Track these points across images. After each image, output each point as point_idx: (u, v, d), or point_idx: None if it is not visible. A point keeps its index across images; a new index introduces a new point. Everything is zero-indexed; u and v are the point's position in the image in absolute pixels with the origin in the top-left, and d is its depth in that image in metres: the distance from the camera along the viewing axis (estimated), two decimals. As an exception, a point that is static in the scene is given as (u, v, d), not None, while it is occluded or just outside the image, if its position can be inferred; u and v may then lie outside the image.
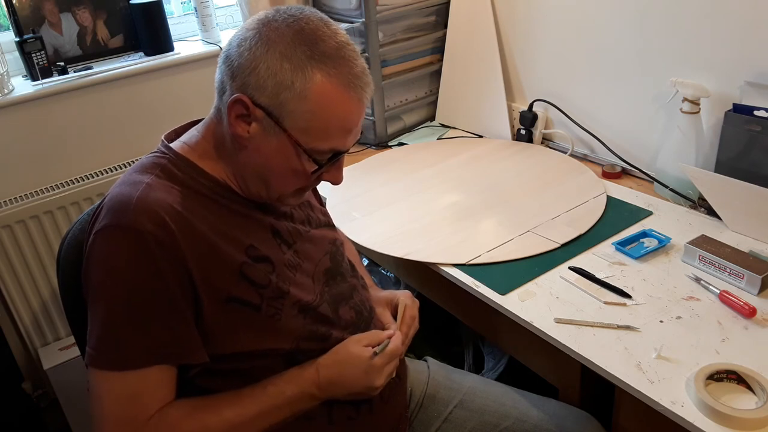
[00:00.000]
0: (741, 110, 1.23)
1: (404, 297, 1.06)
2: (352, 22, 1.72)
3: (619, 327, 0.99)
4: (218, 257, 0.81)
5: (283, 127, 0.80)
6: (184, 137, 0.90)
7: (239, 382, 0.84)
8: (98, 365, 0.77)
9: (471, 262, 1.19)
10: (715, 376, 0.87)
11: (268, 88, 0.78)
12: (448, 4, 1.83)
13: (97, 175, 1.73)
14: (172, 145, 0.88)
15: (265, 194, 0.87)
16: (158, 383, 0.79)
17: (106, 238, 0.77)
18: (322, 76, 0.78)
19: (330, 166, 0.86)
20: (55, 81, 1.64)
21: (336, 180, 0.89)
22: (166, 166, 0.85)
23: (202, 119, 0.92)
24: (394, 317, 1.04)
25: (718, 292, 1.03)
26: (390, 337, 0.93)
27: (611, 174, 1.49)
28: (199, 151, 0.87)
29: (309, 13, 0.82)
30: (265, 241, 0.88)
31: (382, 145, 1.82)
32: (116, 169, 1.75)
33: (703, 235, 1.16)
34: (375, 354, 0.89)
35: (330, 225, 1.06)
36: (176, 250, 0.77)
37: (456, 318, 1.33)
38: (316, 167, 0.84)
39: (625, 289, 1.07)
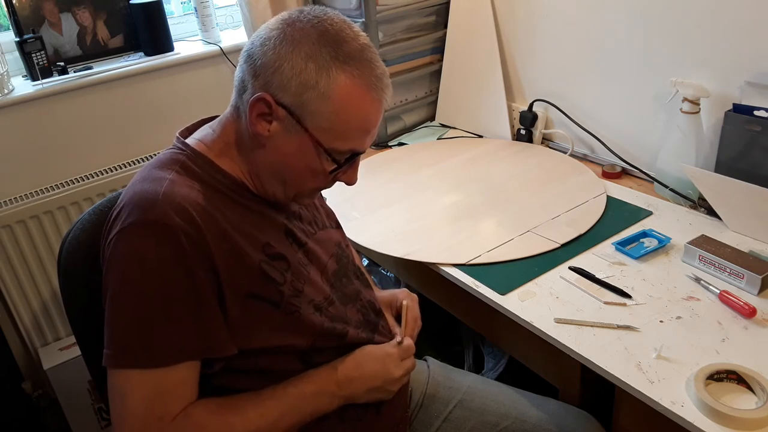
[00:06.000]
0: (741, 110, 1.23)
1: (404, 297, 1.06)
2: (352, 22, 1.72)
3: (619, 327, 0.99)
4: (239, 254, 0.81)
5: (304, 127, 0.80)
6: (198, 134, 0.89)
7: (257, 381, 0.84)
8: (123, 364, 0.75)
9: (471, 262, 1.19)
10: (715, 376, 0.87)
11: (291, 88, 0.78)
12: (448, 4, 1.83)
13: (97, 175, 1.72)
14: (187, 141, 0.88)
15: (282, 193, 0.87)
16: (184, 381, 0.78)
17: (135, 234, 0.76)
18: (345, 77, 0.78)
19: (347, 166, 0.86)
20: (55, 81, 1.64)
21: (351, 180, 0.89)
22: (185, 162, 0.84)
23: (214, 117, 0.91)
24: (396, 319, 1.04)
25: (718, 292, 1.03)
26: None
27: (611, 174, 1.49)
28: (215, 149, 0.86)
29: (332, 14, 0.82)
30: (279, 240, 0.88)
31: (382, 145, 1.82)
32: (117, 169, 1.75)
33: (703, 235, 1.16)
34: (399, 343, 0.94)
35: (335, 227, 1.06)
36: (204, 246, 0.77)
37: (456, 318, 1.33)
38: (335, 167, 0.84)
39: (625, 289, 1.07)
